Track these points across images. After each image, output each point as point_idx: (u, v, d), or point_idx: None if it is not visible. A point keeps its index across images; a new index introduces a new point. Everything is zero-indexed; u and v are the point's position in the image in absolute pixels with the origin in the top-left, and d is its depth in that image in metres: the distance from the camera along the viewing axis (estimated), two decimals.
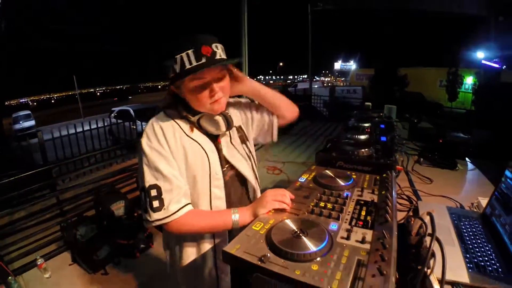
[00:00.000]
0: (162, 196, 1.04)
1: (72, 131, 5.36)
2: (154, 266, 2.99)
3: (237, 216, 1.05)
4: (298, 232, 0.82)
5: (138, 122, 8.07)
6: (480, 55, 12.90)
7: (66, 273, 2.95)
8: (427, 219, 0.84)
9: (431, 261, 0.74)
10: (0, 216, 3.12)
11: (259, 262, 0.72)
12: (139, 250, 3.10)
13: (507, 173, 1.20)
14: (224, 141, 1.22)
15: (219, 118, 1.12)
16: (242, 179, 1.28)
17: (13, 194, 3.06)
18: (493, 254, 1.02)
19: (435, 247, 0.80)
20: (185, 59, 1.00)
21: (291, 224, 0.86)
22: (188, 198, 1.11)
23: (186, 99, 1.12)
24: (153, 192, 1.04)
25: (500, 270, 0.94)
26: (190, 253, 1.23)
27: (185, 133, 1.13)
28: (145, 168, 1.06)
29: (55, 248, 3.22)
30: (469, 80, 16.03)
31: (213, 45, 1.03)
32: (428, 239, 0.81)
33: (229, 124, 1.15)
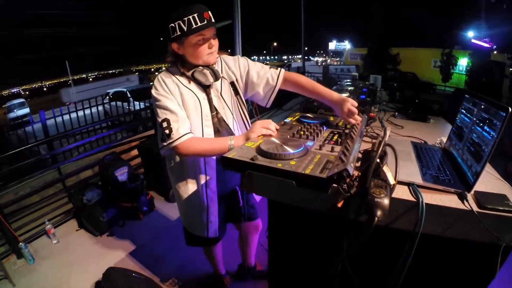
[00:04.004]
0: (171, 126, 1.33)
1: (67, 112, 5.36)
2: (157, 227, 3.19)
3: (233, 141, 1.30)
4: (281, 143, 1.03)
5: (135, 103, 8.10)
6: (470, 34, 13.06)
7: (73, 238, 3.12)
8: (384, 135, 1.04)
9: (384, 157, 0.95)
10: (6, 189, 3.29)
11: (251, 160, 0.93)
12: (142, 212, 3.33)
13: (461, 109, 1.41)
14: (214, 92, 1.52)
15: (207, 72, 1.44)
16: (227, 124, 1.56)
17: (16, 166, 3.19)
18: (447, 171, 1.20)
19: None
20: (192, 20, 1.30)
21: (275, 140, 1.08)
22: (190, 129, 1.39)
23: (185, 54, 1.42)
24: (165, 124, 1.35)
25: (452, 181, 1.13)
26: (188, 187, 1.58)
27: (183, 84, 1.44)
28: (157, 109, 1.38)
29: (62, 217, 3.40)
30: (463, 62, 16.18)
31: (209, 12, 1.35)
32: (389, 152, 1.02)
33: (216, 76, 1.46)
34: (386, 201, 0.84)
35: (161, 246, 2.88)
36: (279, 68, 1.62)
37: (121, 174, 3.24)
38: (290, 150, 0.97)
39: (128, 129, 5.50)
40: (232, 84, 1.58)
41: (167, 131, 1.34)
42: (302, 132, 1.21)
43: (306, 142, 1.09)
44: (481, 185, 1.08)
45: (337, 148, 1.03)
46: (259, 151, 1.00)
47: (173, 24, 1.33)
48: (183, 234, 1.84)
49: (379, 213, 0.83)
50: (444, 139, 1.54)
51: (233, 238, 2.16)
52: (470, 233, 1.01)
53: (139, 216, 3.30)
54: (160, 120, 1.36)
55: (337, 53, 32.55)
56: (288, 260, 1.41)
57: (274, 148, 0.99)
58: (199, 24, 1.31)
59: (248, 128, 1.63)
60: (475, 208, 0.99)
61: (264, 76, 1.59)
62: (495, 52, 12.52)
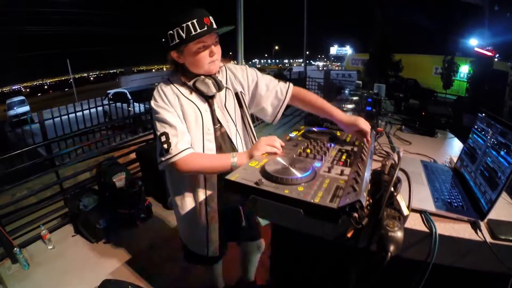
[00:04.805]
0: (170, 140, 1.25)
1: (66, 112, 5.31)
2: (154, 235, 3.12)
3: (236, 158, 1.23)
4: (287, 165, 0.97)
5: (135, 104, 8.06)
6: (473, 42, 13.03)
7: (69, 244, 3.05)
8: (396, 157, 0.98)
9: (398, 185, 0.89)
10: (2, 191, 3.23)
11: (255, 185, 0.87)
12: (140, 219, 3.26)
13: (474, 129, 1.36)
14: (217, 103, 1.43)
15: (209, 81, 1.35)
16: (230, 138, 1.47)
17: (15, 168, 3.13)
18: (460, 196, 1.16)
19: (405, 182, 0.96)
20: (191, 27, 1.22)
21: (281, 160, 1.01)
22: (190, 144, 1.32)
23: (185, 63, 1.34)
24: (163, 138, 1.27)
25: (465, 207, 1.08)
26: (187, 202, 1.48)
27: (183, 95, 1.36)
28: (156, 122, 1.30)
29: (58, 222, 3.34)
30: (464, 69, 16.14)
31: (210, 17, 1.26)
32: (401, 176, 0.96)
33: (219, 87, 1.38)
34: (400, 235, 0.79)
35: (159, 255, 2.81)
36: (288, 82, 1.55)
37: (119, 180, 3.18)
38: (298, 174, 0.91)
39: (125, 128, 5.45)
40: (237, 95, 1.49)
41: (165, 146, 1.26)
42: (308, 150, 1.14)
43: (314, 163, 1.03)
44: (492, 211, 1.03)
45: (347, 171, 0.97)
46: (264, 173, 0.94)
47: (171, 31, 1.25)
48: (181, 243, 1.74)
49: (392, 248, 0.77)
50: (454, 158, 1.49)
51: (233, 249, 2.10)
52: (481, 263, 0.98)
53: (136, 223, 3.23)
54: (158, 133, 1.29)
55: (338, 58, 32.60)
56: (292, 285, 1.35)
57: (281, 171, 0.93)
58: (199, 30, 1.23)
59: (253, 143, 1.55)
60: (488, 238, 0.95)
61: (273, 89, 1.52)
62: (496, 59, 12.47)
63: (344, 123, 1.37)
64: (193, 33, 1.22)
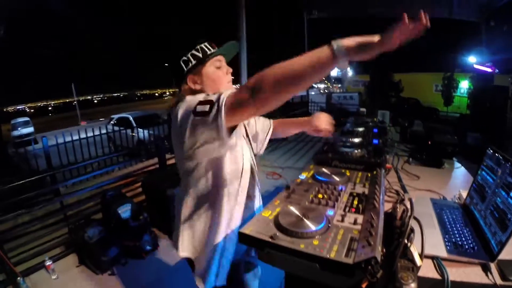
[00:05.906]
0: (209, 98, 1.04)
1: (70, 138, 5.41)
2: (161, 267, 3.10)
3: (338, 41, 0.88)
4: (301, 216, 0.98)
5: (139, 130, 8.10)
6: (472, 59, 13.13)
7: (73, 274, 3.03)
8: (408, 204, 0.99)
9: (411, 235, 0.90)
10: (6, 220, 3.22)
11: (270, 239, 0.88)
12: (146, 251, 3.23)
13: (482, 166, 1.37)
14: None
15: None
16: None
17: (20, 198, 3.15)
18: (470, 236, 1.16)
19: (416, 227, 0.97)
20: (205, 47, 1.28)
21: (294, 210, 1.02)
22: None
23: (203, 87, 1.28)
24: (200, 107, 1.03)
25: (475, 248, 1.09)
26: (205, 220, 1.29)
27: None
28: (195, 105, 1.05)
29: (62, 251, 3.32)
30: (464, 85, 16.18)
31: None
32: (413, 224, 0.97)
33: None
34: (413, 287, 0.79)
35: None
36: None
37: (124, 211, 3.16)
38: (312, 227, 0.91)
39: (132, 156, 5.46)
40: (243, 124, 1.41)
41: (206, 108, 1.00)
42: (320, 196, 1.16)
43: (327, 211, 1.04)
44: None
45: (360, 219, 0.98)
46: (278, 225, 0.94)
47: (185, 57, 1.26)
48: (188, 276, 1.46)
49: None
50: (463, 193, 1.50)
51: None
52: None
53: (142, 255, 3.21)
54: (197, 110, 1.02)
55: (339, 80, 32.74)
56: None
57: (295, 224, 0.93)
58: (212, 50, 1.28)
59: (258, 186, 1.46)
60: (498, 280, 0.96)
61: (259, 118, 1.62)
62: (496, 72, 12.50)
63: (303, 126, 1.59)
64: (209, 52, 1.27)
